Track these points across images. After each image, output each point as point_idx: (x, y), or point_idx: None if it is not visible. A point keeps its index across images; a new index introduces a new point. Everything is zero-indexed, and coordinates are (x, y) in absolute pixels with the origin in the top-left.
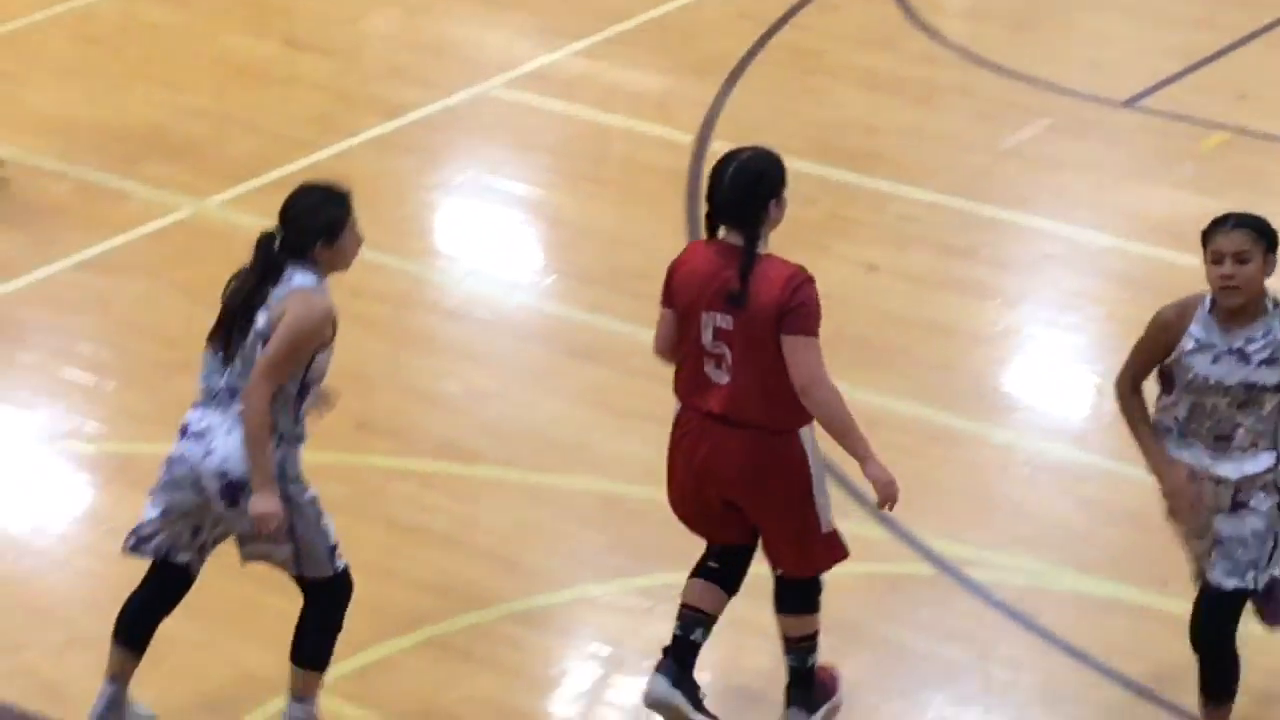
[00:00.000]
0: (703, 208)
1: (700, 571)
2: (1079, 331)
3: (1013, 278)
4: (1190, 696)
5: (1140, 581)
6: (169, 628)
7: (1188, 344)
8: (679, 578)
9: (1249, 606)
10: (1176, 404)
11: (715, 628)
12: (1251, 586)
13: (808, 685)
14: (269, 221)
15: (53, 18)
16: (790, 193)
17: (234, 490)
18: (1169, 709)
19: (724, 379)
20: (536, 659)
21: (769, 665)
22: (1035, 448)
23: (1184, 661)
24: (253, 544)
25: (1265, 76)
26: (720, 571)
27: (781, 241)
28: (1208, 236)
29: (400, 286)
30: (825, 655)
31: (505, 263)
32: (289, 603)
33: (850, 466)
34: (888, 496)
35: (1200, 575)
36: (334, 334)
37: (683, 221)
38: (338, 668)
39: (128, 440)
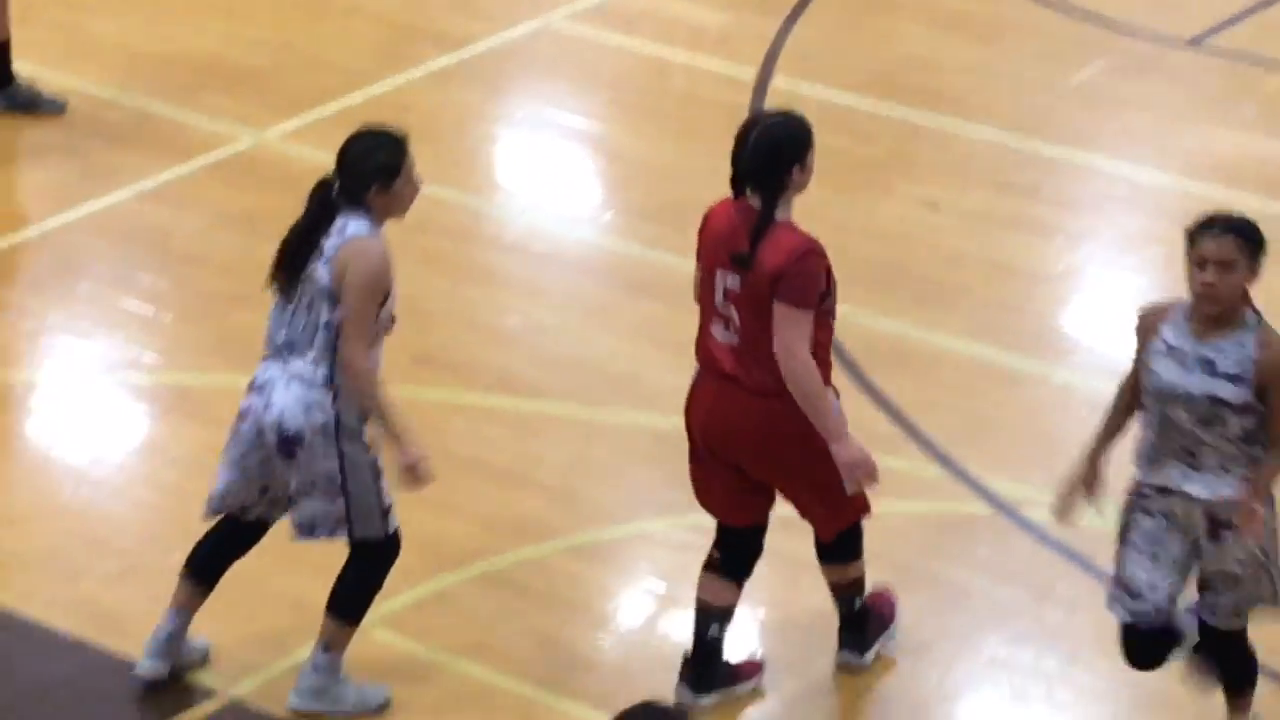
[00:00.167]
0: None
1: (707, 564)
2: (1140, 272)
3: (1074, 217)
4: None
5: None
6: None
7: (1157, 346)
8: None
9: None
10: (1149, 421)
11: (771, 562)
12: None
13: (858, 627)
14: (328, 154)
15: None
16: (850, 130)
17: (290, 444)
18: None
19: (733, 340)
20: (592, 594)
21: (822, 601)
22: (1095, 388)
23: None
24: (306, 501)
25: None
26: (725, 562)
27: (842, 179)
28: (1194, 238)
29: (460, 221)
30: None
31: (564, 197)
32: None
33: (904, 400)
34: (851, 479)
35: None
36: (392, 281)
37: None
38: (391, 601)
39: (185, 371)
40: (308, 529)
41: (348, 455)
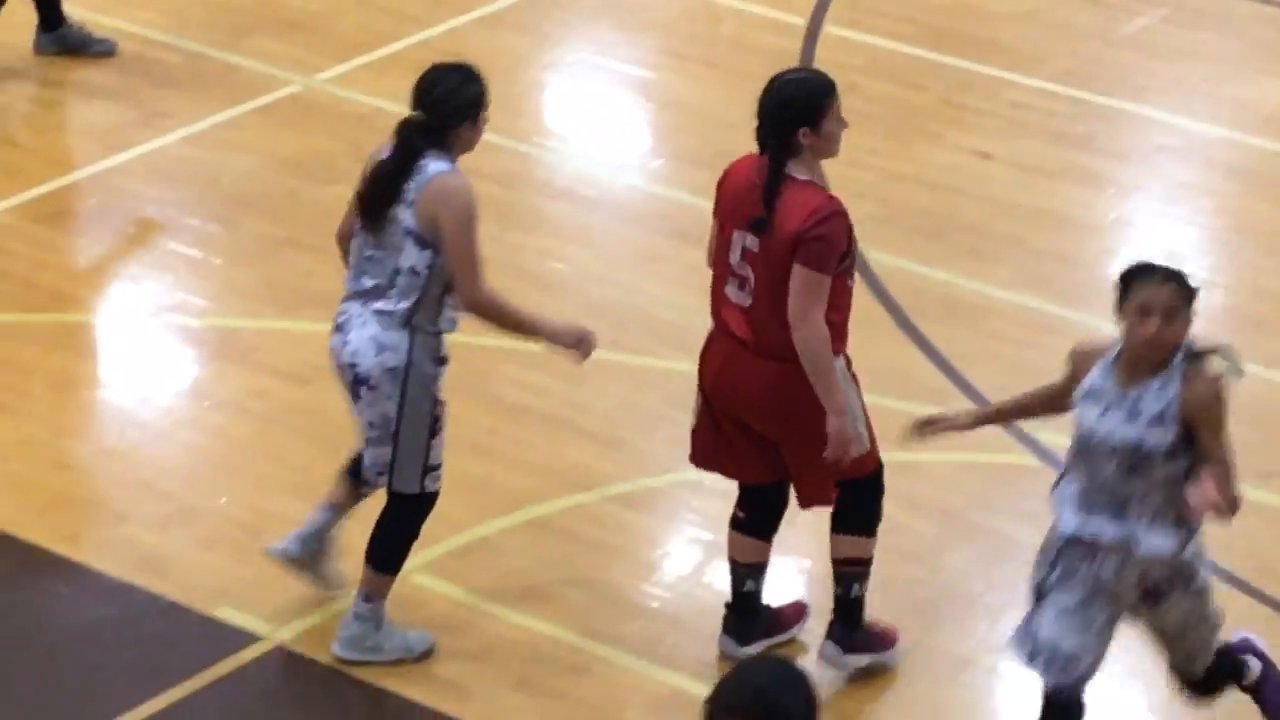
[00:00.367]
0: None
1: (733, 522)
2: (1190, 224)
3: (1126, 168)
4: None
5: (1244, 475)
6: None
7: (1081, 390)
8: None
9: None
10: (1074, 469)
11: (817, 510)
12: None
13: (849, 620)
14: (378, 98)
15: None
16: (901, 79)
17: (359, 383)
18: (1269, 603)
19: (746, 301)
20: (638, 541)
21: None
22: None
23: None
24: (370, 447)
25: None
26: (749, 520)
27: (894, 128)
28: (1129, 285)
29: (508, 166)
30: (929, 544)
31: (613, 144)
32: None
33: (952, 350)
34: (834, 455)
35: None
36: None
37: None
38: (437, 547)
39: (233, 315)
40: (372, 473)
41: (409, 400)
